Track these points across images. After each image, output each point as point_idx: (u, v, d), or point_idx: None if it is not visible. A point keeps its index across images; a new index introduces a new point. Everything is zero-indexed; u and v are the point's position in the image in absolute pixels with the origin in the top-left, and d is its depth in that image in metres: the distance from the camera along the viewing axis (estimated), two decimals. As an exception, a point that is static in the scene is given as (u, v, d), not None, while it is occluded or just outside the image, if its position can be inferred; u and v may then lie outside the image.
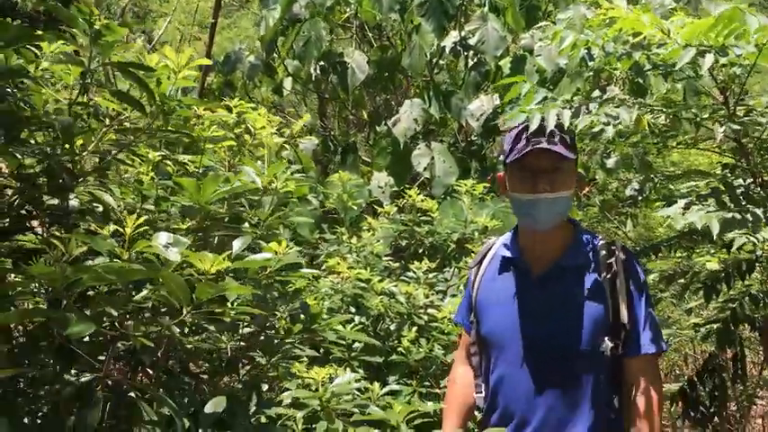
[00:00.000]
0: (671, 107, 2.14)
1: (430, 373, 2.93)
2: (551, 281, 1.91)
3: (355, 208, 3.88)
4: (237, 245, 1.30)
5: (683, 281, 2.76)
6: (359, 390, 2.24)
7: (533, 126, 1.85)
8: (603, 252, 1.89)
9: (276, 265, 1.52)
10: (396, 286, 3.17)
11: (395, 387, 2.57)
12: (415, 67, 4.80)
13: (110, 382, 1.30)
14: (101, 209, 1.52)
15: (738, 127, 1.92)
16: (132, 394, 1.37)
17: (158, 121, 1.50)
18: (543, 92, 2.01)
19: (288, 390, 2.00)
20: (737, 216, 1.76)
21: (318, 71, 5.63)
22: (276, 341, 2.03)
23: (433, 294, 3.28)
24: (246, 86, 6.41)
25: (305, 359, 2.09)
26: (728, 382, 2.62)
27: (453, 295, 3.50)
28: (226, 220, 1.71)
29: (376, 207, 4.03)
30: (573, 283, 1.89)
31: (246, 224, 1.62)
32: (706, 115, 2.27)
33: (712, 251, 3.10)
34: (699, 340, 3.40)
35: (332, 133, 7.59)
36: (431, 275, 3.45)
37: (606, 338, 1.85)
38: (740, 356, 2.58)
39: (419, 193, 3.91)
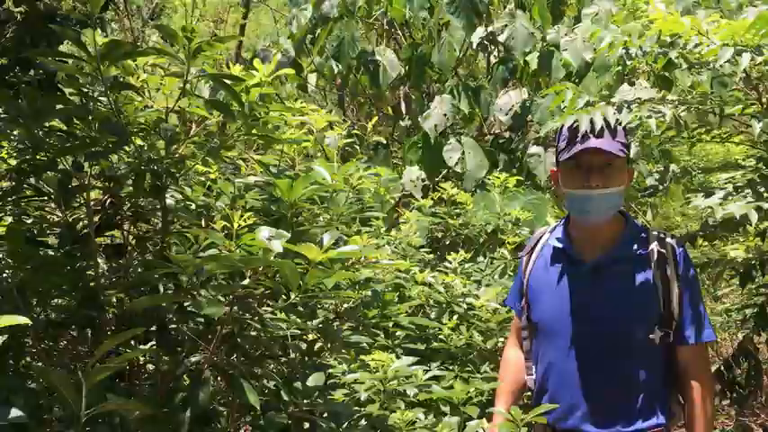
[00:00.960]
0: (704, 103, 2.27)
1: (470, 359, 3.06)
2: (603, 271, 1.98)
3: (392, 202, 4.01)
4: (328, 238, 1.45)
5: (711, 269, 2.87)
6: (405, 375, 2.38)
7: (583, 127, 1.94)
8: (655, 243, 1.97)
9: (360, 256, 1.67)
10: (434, 277, 3.30)
11: (437, 372, 2.71)
12: (445, 63, 4.92)
13: (215, 362, 1.45)
14: (193, 206, 1.68)
15: (772, 125, 2.04)
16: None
17: (245, 126, 1.65)
18: (586, 96, 2.12)
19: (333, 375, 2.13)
20: (776, 206, 1.88)
21: (343, 68, 5.76)
22: (335, 327, 2.18)
23: (469, 284, 3.40)
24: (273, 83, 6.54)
25: (364, 345, 2.24)
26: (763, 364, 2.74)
27: (488, 285, 3.64)
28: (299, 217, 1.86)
29: (411, 201, 4.16)
30: (624, 273, 1.97)
31: (321, 219, 1.78)
32: (739, 110, 2.40)
33: (741, 239, 3.22)
34: (736, 325, 3.51)
35: (355, 127, 7.74)
36: (466, 266, 3.58)
37: (656, 327, 1.93)
38: (774, 340, 2.70)
39: (453, 187, 4.05)
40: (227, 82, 1.56)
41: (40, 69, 3.49)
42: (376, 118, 3.74)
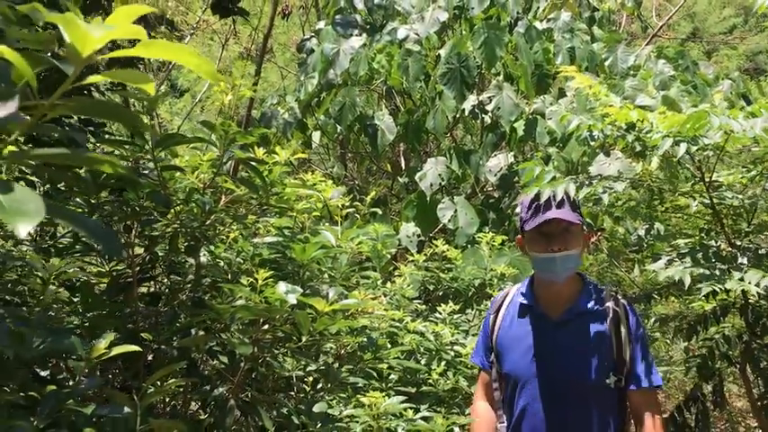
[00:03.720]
0: (656, 182, 2.65)
1: (456, 402, 3.37)
2: (566, 324, 2.29)
3: (389, 256, 4.37)
4: (332, 293, 1.80)
5: (669, 323, 3.22)
6: (394, 414, 2.70)
7: (544, 198, 2.29)
8: (609, 300, 2.28)
9: (360, 308, 2.02)
10: (425, 326, 3.63)
11: (426, 414, 3.02)
12: (438, 128, 5.35)
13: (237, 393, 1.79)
14: (222, 264, 2.04)
15: (708, 201, 2.41)
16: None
17: (267, 198, 2.02)
18: (553, 172, 2.50)
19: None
20: (706, 272, 2.24)
21: (344, 129, 6.22)
22: (335, 368, 2.51)
23: (457, 333, 3.73)
24: (280, 140, 6.98)
25: (359, 384, 2.56)
26: (712, 409, 3.07)
27: (474, 334, 3.96)
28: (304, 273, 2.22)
29: (407, 255, 4.51)
30: (583, 326, 2.26)
31: (326, 275, 2.13)
32: (687, 187, 2.78)
33: (702, 298, 3.57)
34: (685, 374, 3.85)
35: (356, 182, 8.18)
36: (455, 316, 3.90)
37: (611, 374, 2.22)
38: (719, 388, 3.02)
39: (444, 243, 4.42)
40: (253, 164, 1.95)
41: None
42: (374, 192, 4.11)
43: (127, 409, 1.27)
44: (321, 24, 6.76)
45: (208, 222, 2.02)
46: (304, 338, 1.72)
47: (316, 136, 6.89)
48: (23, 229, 0.66)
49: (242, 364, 1.79)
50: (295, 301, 1.68)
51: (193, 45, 10.30)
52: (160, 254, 2.28)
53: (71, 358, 1.42)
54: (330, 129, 6.61)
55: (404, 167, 7.25)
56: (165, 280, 2.37)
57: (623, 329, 2.25)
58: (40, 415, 1.12)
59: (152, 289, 2.44)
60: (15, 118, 0.70)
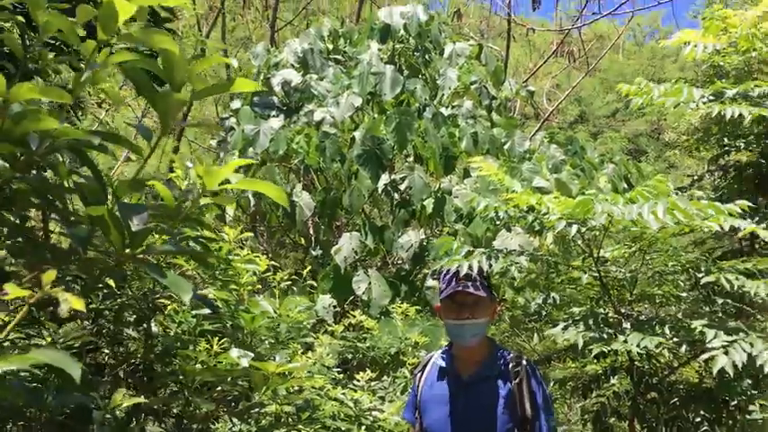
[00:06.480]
0: (552, 256, 3.05)
1: (377, 465, 3.56)
2: (474, 386, 2.55)
3: (308, 327, 4.56)
4: (279, 357, 2.01)
5: (567, 383, 3.58)
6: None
7: (462, 272, 2.62)
8: (513, 364, 2.56)
9: (302, 372, 2.23)
10: (344, 393, 3.82)
11: (351, 477, 3.19)
12: (354, 206, 5.68)
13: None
14: (171, 333, 2.21)
15: (597, 275, 2.81)
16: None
17: (215, 272, 2.23)
18: (467, 247, 2.84)
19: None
20: (596, 335, 2.61)
21: (263, 206, 6.44)
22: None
23: (375, 400, 3.94)
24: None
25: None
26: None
27: (391, 400, 4.19)
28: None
29: (326, 326, 4.72)
30: (490, 387, 2.53)
31: (267, 342, 2.34)
32: (579, 262, 3.19)
33: (594, 360, 3.97)
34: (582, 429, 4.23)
35: (268, 255, 8.35)
36: (373, 384, 4.12)
37: (516, 429, 2.48)
38: (613, 440, 3.39)
39: (361, 314, 4.67)
40: (204, 241, 2.16)
41: None
42: (309, 267, 4.34)
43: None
44: (237, 104, 7.04)
45: (157, 296, 2.20)
46: (257, 397, 1.91)
47: (230, 210, 7.05)
48: (187, 297, 0.99)
49: (193, 426, 1.96)
50: (247, 365, 1.88)
51: (109, 119, 10.31)
52: (106, 326, 2.42)
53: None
54: (244, 203, 6.81)
55: (314, 241, 7.49)
56: (107, 351, 2.50)
57: (525, 389, 2.52)
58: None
59: (97, 359, 2.55)
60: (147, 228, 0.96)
